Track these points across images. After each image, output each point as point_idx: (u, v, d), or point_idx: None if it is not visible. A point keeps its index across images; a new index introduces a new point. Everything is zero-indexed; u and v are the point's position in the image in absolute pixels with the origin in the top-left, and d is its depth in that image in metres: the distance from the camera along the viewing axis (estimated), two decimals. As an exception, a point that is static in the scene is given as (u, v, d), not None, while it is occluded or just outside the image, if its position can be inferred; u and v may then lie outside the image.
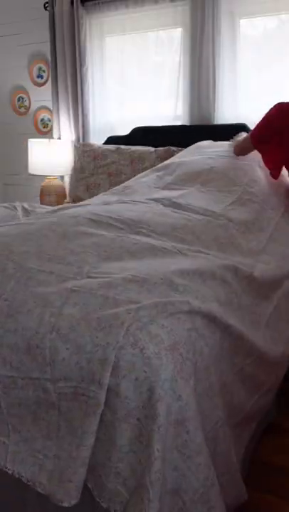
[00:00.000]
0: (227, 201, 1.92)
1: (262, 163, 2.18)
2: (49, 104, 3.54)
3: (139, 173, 2.63)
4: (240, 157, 2.22)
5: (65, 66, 3.30)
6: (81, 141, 3.33)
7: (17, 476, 1.11)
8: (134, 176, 2.59)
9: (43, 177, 3.39)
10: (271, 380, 1.46)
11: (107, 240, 1.52)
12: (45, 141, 3.33)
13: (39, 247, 1.44)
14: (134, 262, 1.37)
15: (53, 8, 3.26)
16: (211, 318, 1.17)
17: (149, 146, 2.90)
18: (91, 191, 2.86)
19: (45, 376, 1.08)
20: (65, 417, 1.07)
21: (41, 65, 3.58)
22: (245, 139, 2.25)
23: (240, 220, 1.79)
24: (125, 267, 1.32)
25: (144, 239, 1.55)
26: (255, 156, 2.19)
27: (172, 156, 2.67)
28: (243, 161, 2.19)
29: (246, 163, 2.17)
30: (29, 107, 3.71)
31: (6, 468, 1.12)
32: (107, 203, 1.96)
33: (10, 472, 1.12)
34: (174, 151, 2.76)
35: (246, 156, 2.21)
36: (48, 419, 1.10)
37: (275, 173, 2.13)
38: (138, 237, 1.56)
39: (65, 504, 1.00)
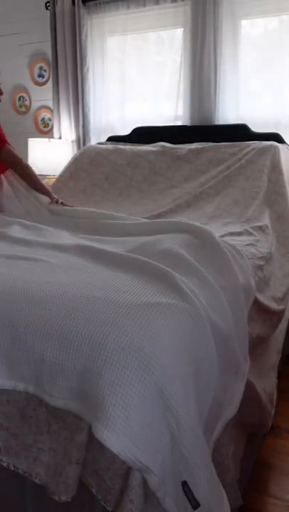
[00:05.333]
0: None
1: None
2: (50, 103, 3.54)
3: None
4: None
5: (66, 66, 3.30)
6: (81, 140, 3.33)
7: (12, 468, 1.11)
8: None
9: (42, 176, 3.38)
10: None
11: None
12: (45, 140, 3.33)
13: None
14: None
15: (54, 7, 3.26)
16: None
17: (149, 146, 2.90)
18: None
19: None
20: (53, 414, 1.07)
21: (42, 65, 3.58)
22: None
23: None
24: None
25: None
26: None
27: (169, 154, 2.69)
28: None
29: None
30: (30, 107, 3.71)
31: (2, 460, 1.12)
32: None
33: (5, 465, 1.12)
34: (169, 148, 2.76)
35: None
36: (35, 416, 1.10)
37: None
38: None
39: (56, 498, 1.01)
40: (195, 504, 0.96)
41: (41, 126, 3.68)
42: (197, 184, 2.46)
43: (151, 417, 0.94)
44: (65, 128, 3.41)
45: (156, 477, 0.93)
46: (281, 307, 1.71)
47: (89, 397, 0.98)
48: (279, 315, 1.69)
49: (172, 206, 2.35)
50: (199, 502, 0.97)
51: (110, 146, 2.96)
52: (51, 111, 3.55)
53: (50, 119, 3.62)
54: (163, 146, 2.77)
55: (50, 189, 2.45)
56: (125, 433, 0.92)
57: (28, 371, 1.09)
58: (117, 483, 0.98)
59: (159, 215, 2.29)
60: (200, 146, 2.67)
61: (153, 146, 2.81)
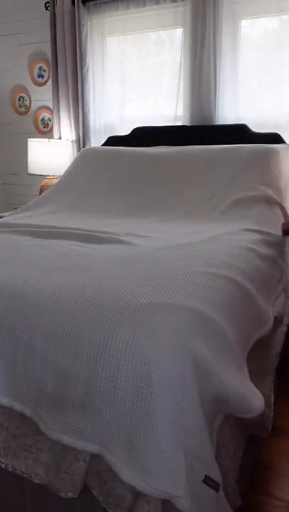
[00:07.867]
0: None
1: None
2: (49, 103, 3.54)
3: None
4: None
5: (66, 66, 3.29)
6: (81, 141, 3.32)
7: (11, 469, 1.11)
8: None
9: (42, 177, 3.38)
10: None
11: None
12: (45, 140, 3.33)
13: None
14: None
15: (53, 7, 3.25)
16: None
17: (149, 146, 2.88)
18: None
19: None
20: None
21: (42, 65, 3.57)
22: None
23: None
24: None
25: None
26: None
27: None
28: None
29: None
30: (29, 107, 3.70)
31: (0, 462, 1.12)
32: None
33: (3, 466, 1.12)
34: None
35: None
36: None
37: None
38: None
39: (62, 494, 1.01)
40: (217, 487, 0.97)
41: (41, 127, 3.68)
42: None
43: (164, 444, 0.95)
44: (65, 128, 3.41)
45: (184, 499, 0.92)
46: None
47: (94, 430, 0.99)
48: (278, 318, 1.69)
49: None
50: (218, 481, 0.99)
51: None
52: (51, 111, 3.55)
53: (50, 120, 3.62)
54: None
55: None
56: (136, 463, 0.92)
57: (27, 394, 1.10)
58: (119, 486, 0.99)
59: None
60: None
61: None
